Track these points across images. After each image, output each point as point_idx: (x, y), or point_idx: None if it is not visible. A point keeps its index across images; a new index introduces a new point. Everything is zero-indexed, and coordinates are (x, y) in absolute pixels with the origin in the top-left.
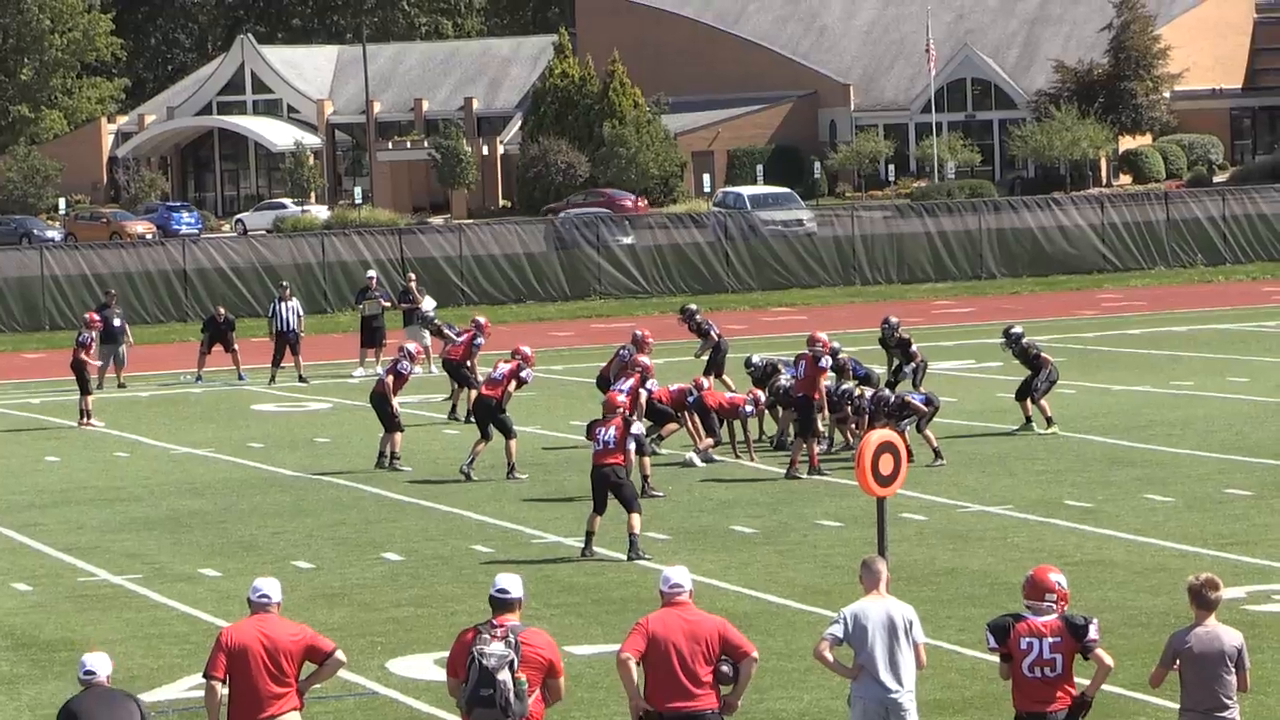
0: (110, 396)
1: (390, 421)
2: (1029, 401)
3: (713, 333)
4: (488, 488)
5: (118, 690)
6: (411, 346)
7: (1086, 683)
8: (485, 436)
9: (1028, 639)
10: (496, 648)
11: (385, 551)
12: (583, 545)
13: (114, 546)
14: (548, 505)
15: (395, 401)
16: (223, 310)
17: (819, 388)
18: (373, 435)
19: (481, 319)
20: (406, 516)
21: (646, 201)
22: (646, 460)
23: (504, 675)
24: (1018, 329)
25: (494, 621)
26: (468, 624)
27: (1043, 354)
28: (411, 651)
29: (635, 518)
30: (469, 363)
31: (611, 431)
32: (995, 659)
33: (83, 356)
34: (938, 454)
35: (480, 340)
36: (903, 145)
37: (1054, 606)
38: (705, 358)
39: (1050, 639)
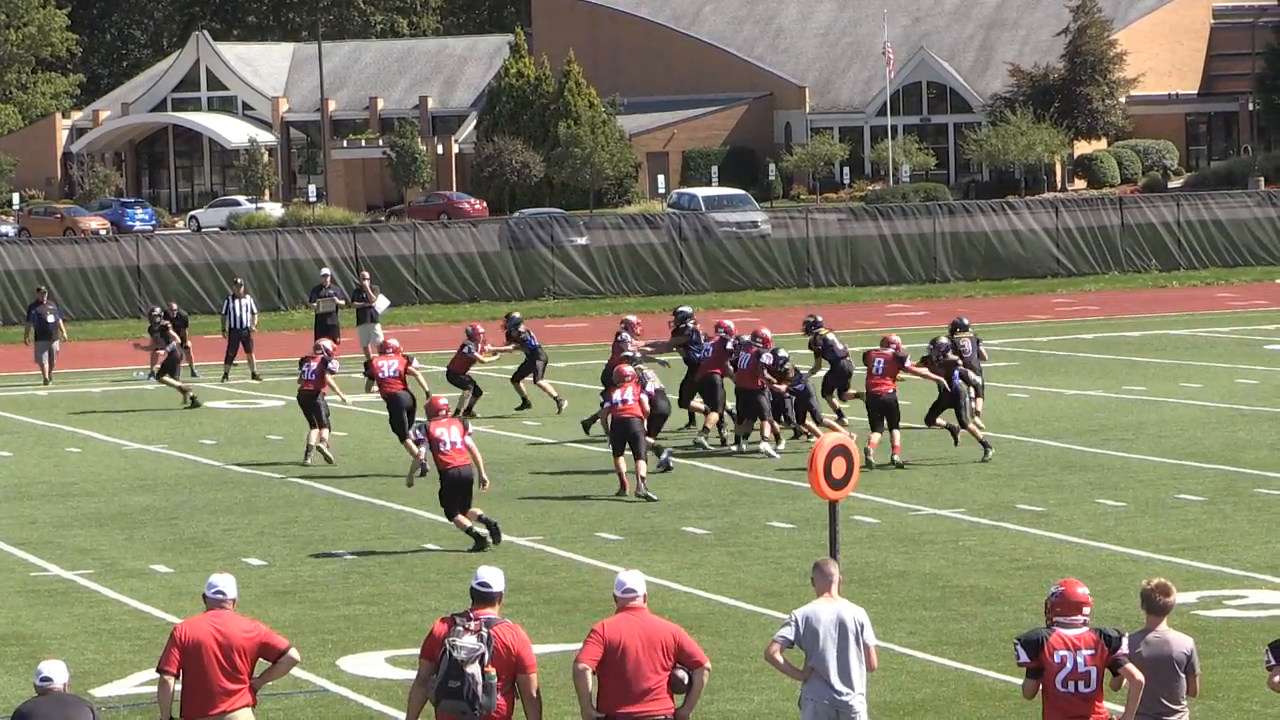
0: (62, 392)
1: (318, 418)
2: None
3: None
4: (439, 486)
5: (72, 695)
6: (328, 344)
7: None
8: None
9: (1062, 652)
10: (468, 641)
11: (337, 549)
12: (618, 489)
13: (66, 542)
14: (499, 505)
15: (324, 399)
16: (175, 305)
17: (760, 377)
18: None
19: (475, 326)
20: (358, 515)
21: (485, 204)
22: (642, 463)
23: (473, 669)
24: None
25: (471, 613)
26: (419, 623)
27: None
28: (363, 649)
29: (643, 464)
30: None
31: (630, 390)
32: (946, 661)
33: None
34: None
35: (469, 347)
36: (858, 148)
37: (1086, 620)
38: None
39: (1085, 652)
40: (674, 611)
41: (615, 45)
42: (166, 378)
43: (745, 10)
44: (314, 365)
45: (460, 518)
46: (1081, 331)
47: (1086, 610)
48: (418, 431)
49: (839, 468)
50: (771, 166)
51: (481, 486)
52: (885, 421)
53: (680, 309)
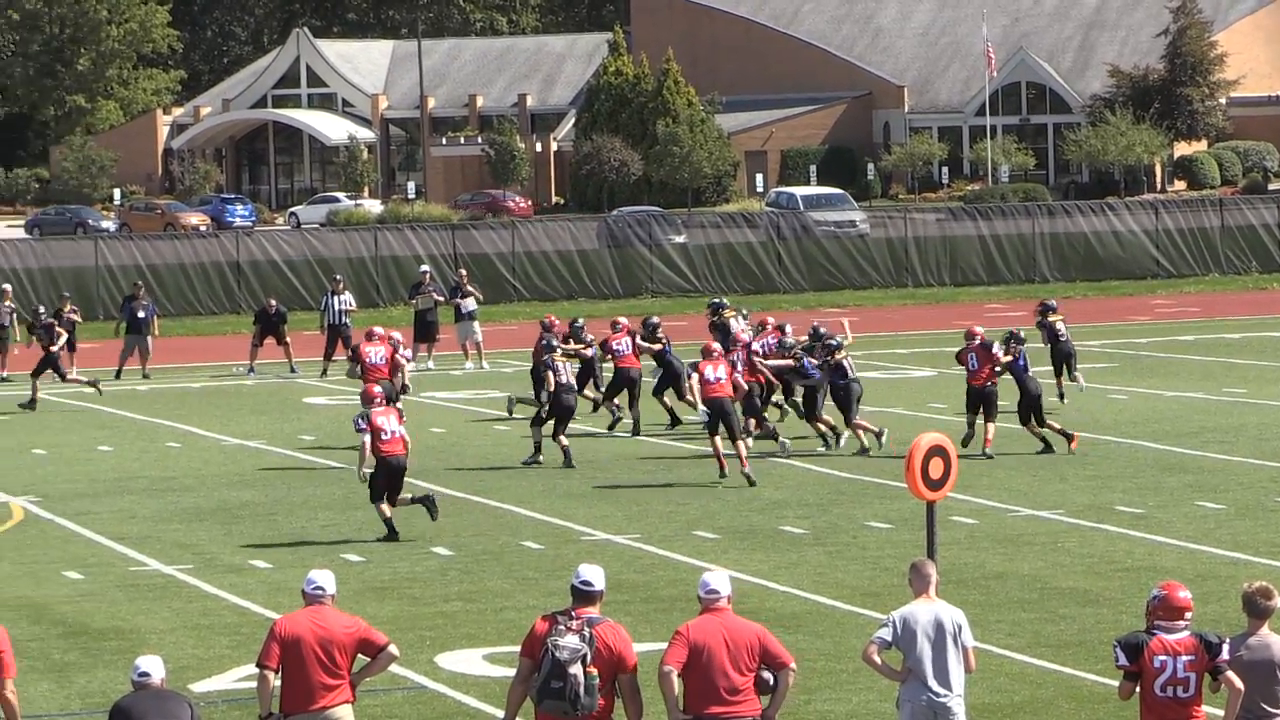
0: (162, 387)
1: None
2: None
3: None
4: (538, 483)
5: (170, 690)
6: (398, 334)
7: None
8: None
9: (1162, 657)
10: (570, 640)
11: (435, 546)
12: (719, 471)
13: (165, 536)
14: (597, 502)
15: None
16: (274, 302)
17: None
18: (425, 429)
19: (549, 318)
20: (456, 511)
21: (530, 203)
22: (741, 444)
23: (576, 669)
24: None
25: (572, 612)
26: (517, 620)
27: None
28: (460, 646)
29: (741, 445)
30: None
31: (721, 368)
32: (1044, 663)
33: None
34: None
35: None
36: (956, 148)
37: (1188, 625)
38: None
39: (1185, 657)
40: (771, 611)
41: (714, 43)
42: (37, 380)
43: (844, 9)
44: (383, 352)
45: (383, 506)
46: (1181, 333)
47: (1188, 616)
48: (360, 420)
49: (936, 468)
50: (870, 166)
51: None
52: (983, 412)
53: (713, 300)
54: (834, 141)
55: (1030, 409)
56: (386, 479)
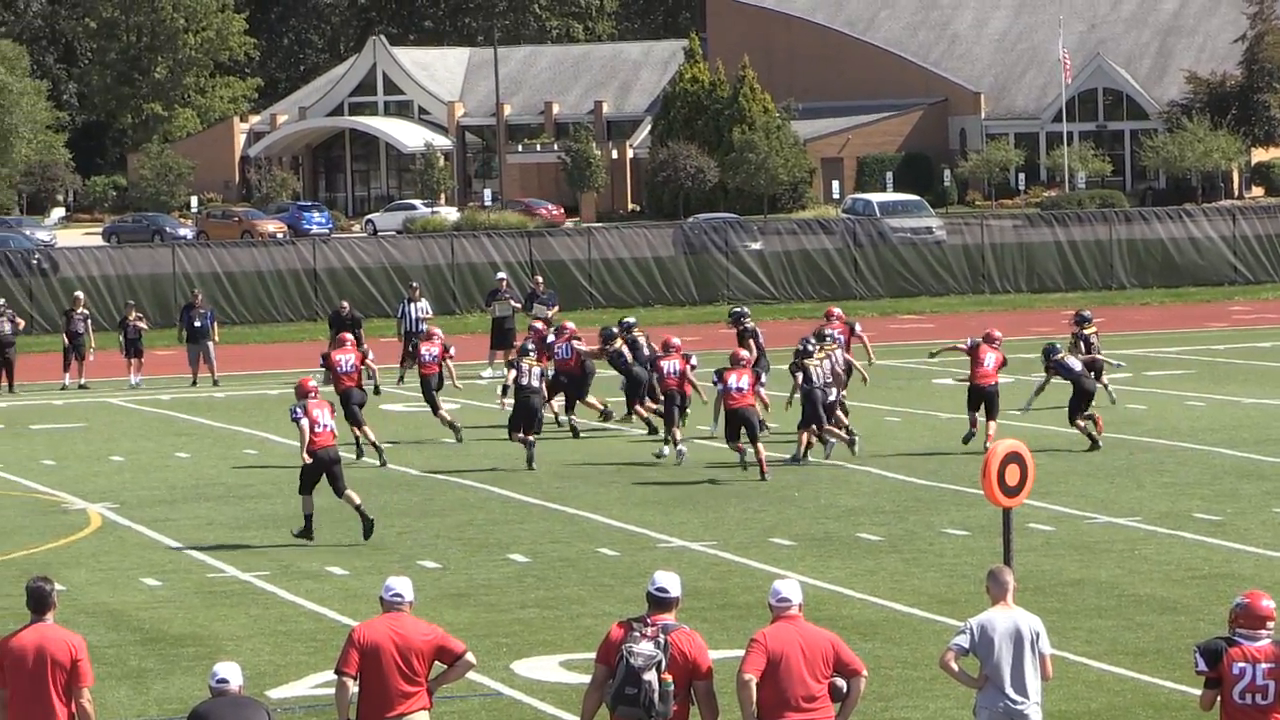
0: (240, 394)
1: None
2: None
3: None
4: (615, 490)
5: (247, 697)
6: (440, 331)
7: None
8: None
9: (1241, 664)
10: (645, 647)
11: (511, 553)
12: (740, 460)
13: (242, 543)
14: (674, 508)
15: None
16: (347, 305)
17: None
18: (501, 435)
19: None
20: (532, 518)
21: (563, 210)
22: (761, 446)
23: (650, 676)
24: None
25: (647, 619)
26: (593, 626)
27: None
28: (537, 653)
29: (761, 447)
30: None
31: (745, 378)
32: (1122, 670)
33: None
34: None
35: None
36: (1033, 154)
37: (1270, 633)
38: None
39: (1264, 664)
40: (848, 618)
41: (790, 50)
42: None
43: (920, 16)
44: (435, 350)
45: (309, 497)
46: (1259, 340)
47: (1270, 625)
48: (297, 409)
49: (1013, 475)
50: (946, 172)
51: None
52: (985, 410)
53: (734, 310)
54: (910, 148)
55: (1079, 406)
56: (318, 470)
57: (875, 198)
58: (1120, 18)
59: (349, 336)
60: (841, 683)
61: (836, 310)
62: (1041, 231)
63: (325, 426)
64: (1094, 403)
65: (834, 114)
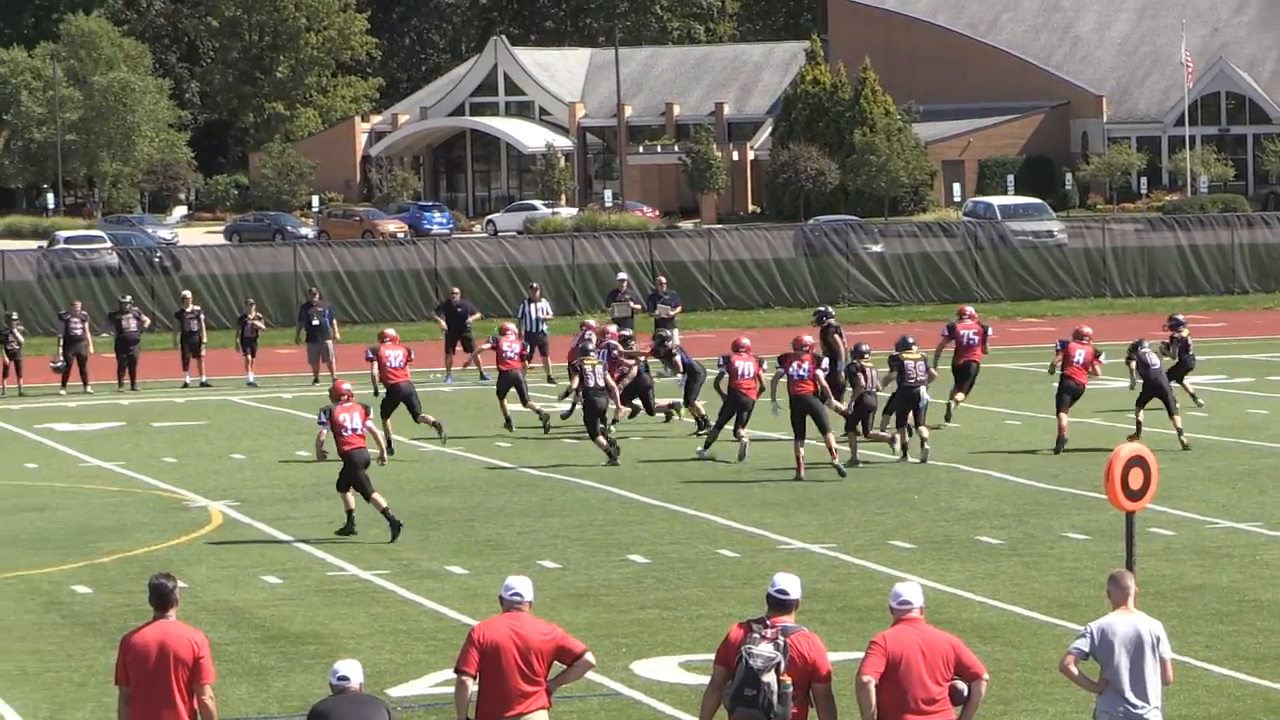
0: (359, 393)
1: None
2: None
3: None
4: (733, 491)
5: (368, 695)
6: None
7: None
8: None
9: None
10: (765, 649)
11: (631, 553)
12: (795, 471)
13: (363, 541)
14: (794, 510)
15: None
16: (458, 292)
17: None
18: (620, 437)
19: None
20: (652, 519)
21: (656, 212)
22: (830, 436)
23: (769, 678)
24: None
25: (767, 621)
26: (713, 628)
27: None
28: (656, 654)
29: (831, 437)
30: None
31: (806, 365)
32: (1243, 676)
33: None
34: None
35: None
36: (1155, 158)
37: None
38: None
39: None
40: (968, 621)
41: (911, 52)
42: None
43: (1042, 19)
44: (401, 355)
45: (348, 495)
46: None
47: None
48: (323, 415)
49: (1136, 479)
50: (1068, 175)
51: (380, 462)
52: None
53: (818, 309)
54: (1031, 151)
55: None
56: (351, 472)
57: (996, 201)
58: (1244, 21)
59: (389, 331)
60: (962, 686)
61: (969, 309)
62: (1163, 235)
63: (354, 430)
64: (1178, 404)
65: (955, 116)
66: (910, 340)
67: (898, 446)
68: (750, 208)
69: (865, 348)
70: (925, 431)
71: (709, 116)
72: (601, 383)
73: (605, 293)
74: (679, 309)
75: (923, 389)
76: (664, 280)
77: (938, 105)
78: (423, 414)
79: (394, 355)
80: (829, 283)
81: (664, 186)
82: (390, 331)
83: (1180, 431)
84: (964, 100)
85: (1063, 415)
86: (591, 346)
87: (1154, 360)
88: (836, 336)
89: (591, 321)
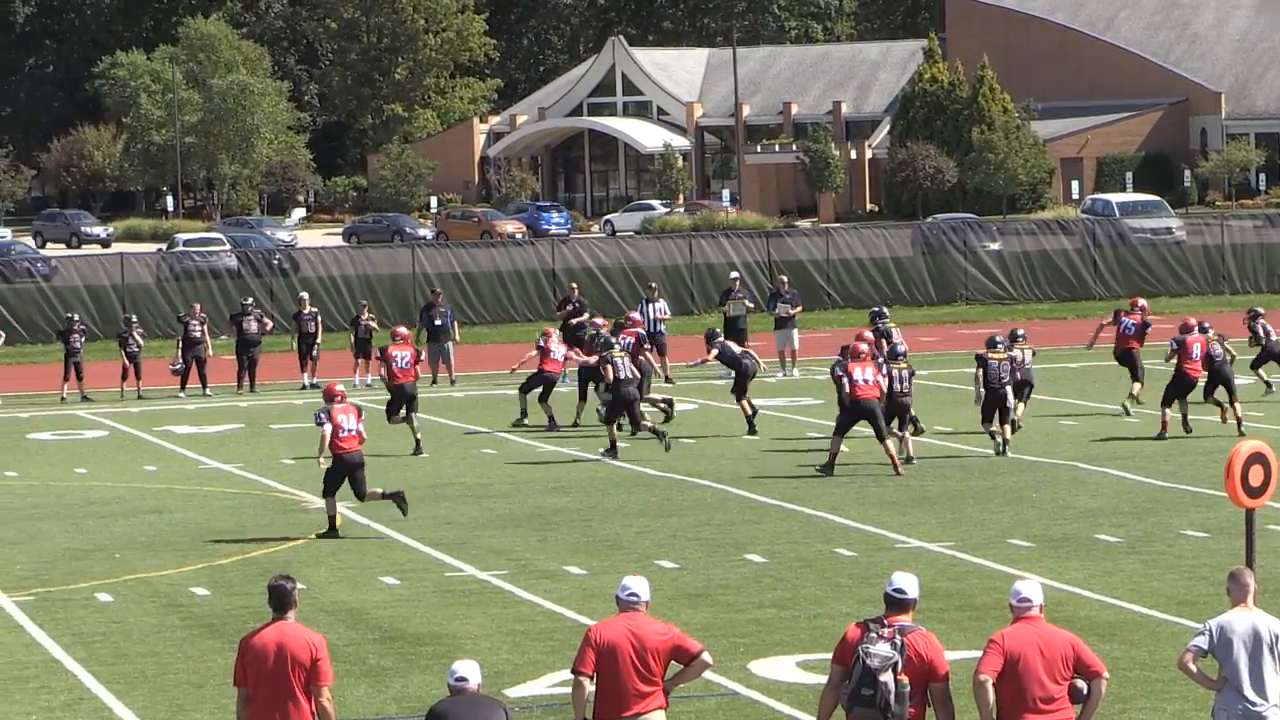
0: (478, 394)
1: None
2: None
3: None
4: (852, 490)
5: (486, 695)
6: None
7: None
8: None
9: None
10: (882, 648)
11: (749, 553)
12: (826, 466)
13: (480, 542)
14: (911, 509)
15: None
16: (575, 287)
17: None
18: (737, 436)
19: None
20: (770, 519)
21: (736, 209)
22: (890, 442)
23: (886, 677)
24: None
25: (885, 620)
26: (830, 627)
27: None
28: (774, 653)
29: (890, 443)
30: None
31: (869, 370)
32: None
33: None
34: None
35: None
36: (1275, 154)
37: None
38: None
39: None
40: (1087, 619)
41: (1029, 50)
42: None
43: (1160, 16)
44: (409, 356)
45: (334, 501)
46: None
47: None
48: (321, 415)
49: (1256, 475)
50: (1186, 172)
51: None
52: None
53: (874, 310)
54: (1150, 148)
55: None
56: (341, 473)
57: (1115, 198)
58: None
59: (402, 330)
60: (1082, 684)
61: (1142, 301)
62: None
63: (350, 431)
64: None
65: (1073, 114)
66: (998, 340)
67: (999, 441)
68: (868, 206)
69: (901, 349)
70: (1009, 431)
71: (827, 115)
72: (628, 374)
73: (720, 292)
74: (799, 308)
75: (1008, 389)
76: (785, 279)
77: (1055, 103)
78: (409, 417)
79: (401, 356)
80: (947, 281)
81: (781, 186)
82: (403, 330)
83: (1240, 420)
84: (1082, 98)
85: (1167, 410)
86: (614, 340)
87: (1217, 350)
88: (885, 340)
89: (599, 320)
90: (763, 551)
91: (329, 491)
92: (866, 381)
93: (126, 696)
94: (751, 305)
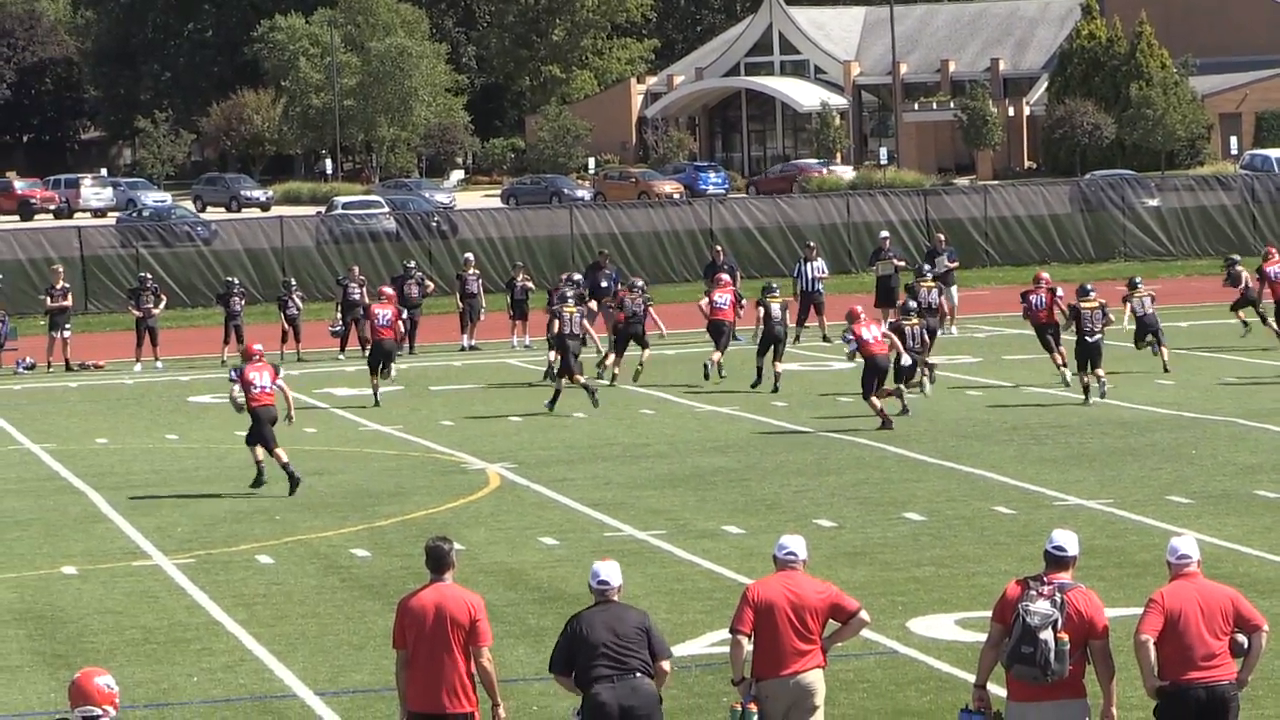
0: (637, 355)
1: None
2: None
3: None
4: (1010, 449)
5: (627, 606)
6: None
7: None
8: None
9: None
10: (1042, 606)
11: (907, 511)
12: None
13: (639, 502)
14: (1070, 467)
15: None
16: (721, 249)
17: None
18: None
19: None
20: (929, 476)
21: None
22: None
23: (1046, 634)
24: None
25: (1044, 577)
26: (989, 585)
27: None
28: (932, 611)
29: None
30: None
31: (875, 328)
32: None
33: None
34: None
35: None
36: None
37: None
38: None
39: None
40: (1246, 575)
41: (1188, 5)
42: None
43: None
44: (390, 314)
45: (257, 449)
46: None
47: None
48: (234, 373)
49: None
50: None
51: (288, 422)
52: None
53: (908, 284)
54: None
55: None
56: (258, 427)
57: (1274, 153)
58: None
59: (387, 290)
60: (1242, 639)
61: (1044, 274)
62: None
63: (262, 388)
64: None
65: (1232, 69)
66: (1089, 288)
67: (1098, 385)
68: (1026, 164)
69: (911, 305)
70: (1102, 373)
71: (984, 73)
72: (573, 329)
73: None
74: (956, 264)
75: (1100, 336)
76: (943, 237)
77: (1214, 58)
78: (383, 379)
79: (382, 314)
80: (1105, 238)
81: (939, 144)
82: (388, 290)
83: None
84: (1241, 53)
85: None
86: (570, 294)
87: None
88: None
89: (576, 275)
90: (921, 509)
91: (251, 441)
92: (876, 339)
93: (287, 658)
94: (901, 263)
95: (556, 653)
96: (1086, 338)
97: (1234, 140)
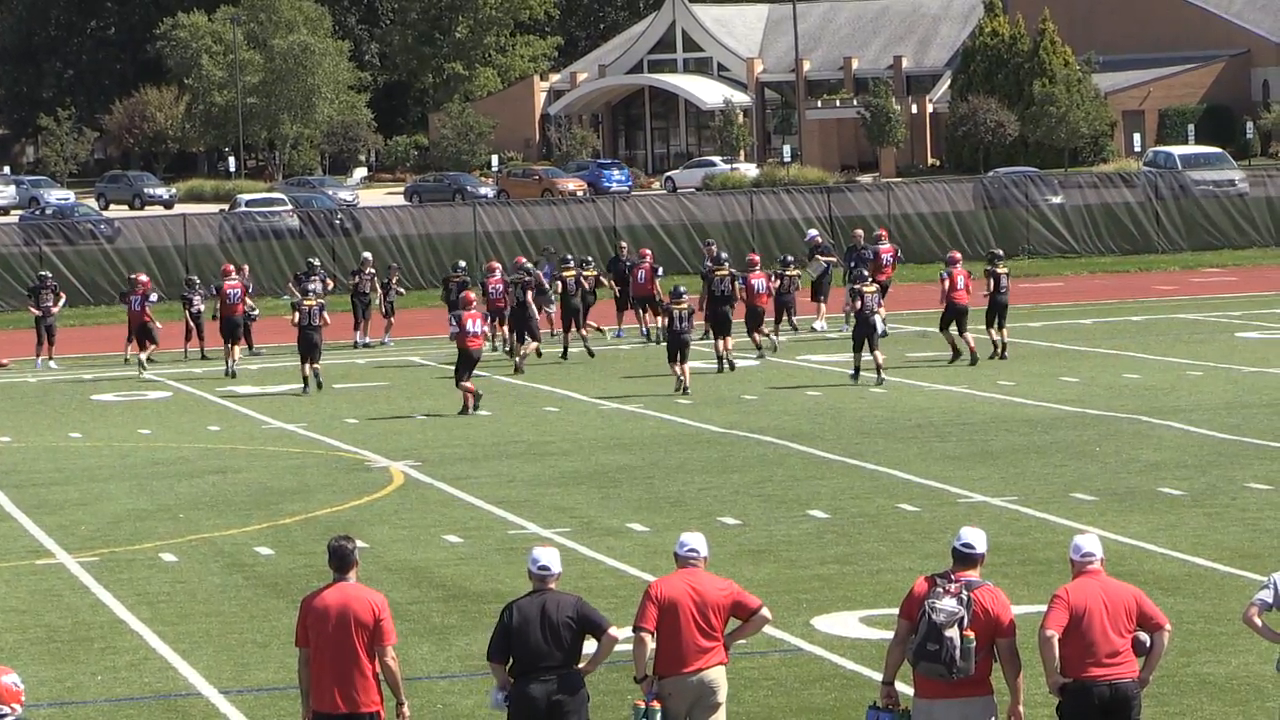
0: (544, 351)
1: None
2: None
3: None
4: (914, 446)
5: (563, 593)
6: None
7: None
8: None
9: None
10: (948, 604)
11: (811, 509)
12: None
13: (543, 500)
14: (974, 464)
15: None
16: (626, 247)
17: None
18: (801, 392)
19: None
20: (832, 474)
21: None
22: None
23: (952, 632)
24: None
25: (951, 575)
26: (893, 582)
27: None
28: (837, 609)
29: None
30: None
31: (761, 280)
32: None
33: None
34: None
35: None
36: None
37: None
38: None
39: None
40: (1150, 573)
41: (1090, 2)
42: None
43: None
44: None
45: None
46: None
47: None
48: (212, 288)
49: None
50: (1249, 124)
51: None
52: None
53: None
54: (1212, 100)
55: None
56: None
57: (1177, 150)
58: None
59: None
60: (1145, 637)
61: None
62: None
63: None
64: None
65: (1135, 66)
66: (999, 253)
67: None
68: (929, 161)
69: (865, 273)
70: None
71: (887, 70)
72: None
73: (782, 249)
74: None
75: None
76: (885, 232)
77: (1117, 55)
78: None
79: (472, 324)
80: (1009, 234)
81: (843, 141)
82: (473, 297)
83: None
84: (1143, 50)
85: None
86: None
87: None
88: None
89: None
90: (825, 507)
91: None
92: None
93: (191, 656)
94: (834, 259)
95: (492, 642)
96: (998, 296)
97: (1137, 137)
